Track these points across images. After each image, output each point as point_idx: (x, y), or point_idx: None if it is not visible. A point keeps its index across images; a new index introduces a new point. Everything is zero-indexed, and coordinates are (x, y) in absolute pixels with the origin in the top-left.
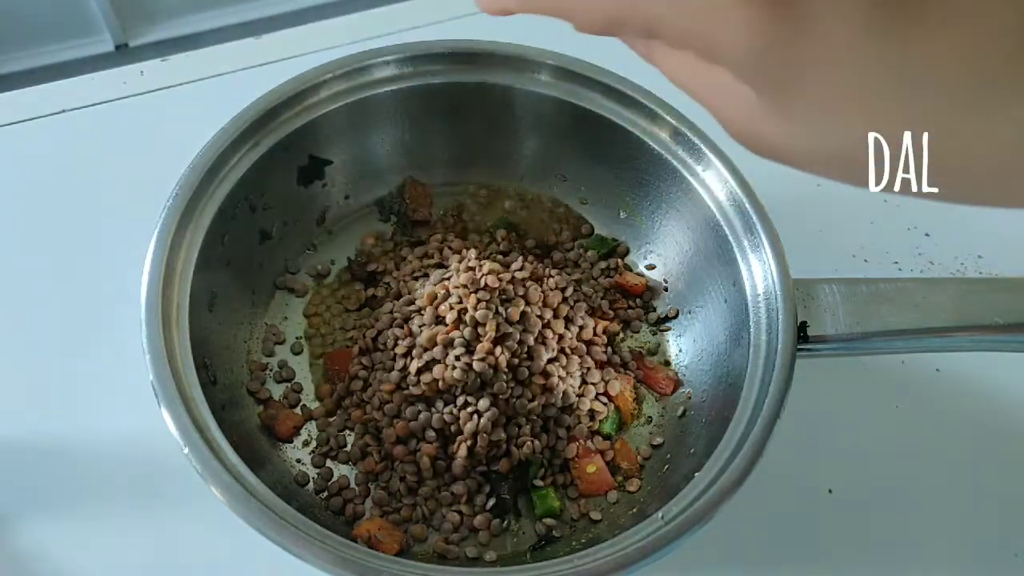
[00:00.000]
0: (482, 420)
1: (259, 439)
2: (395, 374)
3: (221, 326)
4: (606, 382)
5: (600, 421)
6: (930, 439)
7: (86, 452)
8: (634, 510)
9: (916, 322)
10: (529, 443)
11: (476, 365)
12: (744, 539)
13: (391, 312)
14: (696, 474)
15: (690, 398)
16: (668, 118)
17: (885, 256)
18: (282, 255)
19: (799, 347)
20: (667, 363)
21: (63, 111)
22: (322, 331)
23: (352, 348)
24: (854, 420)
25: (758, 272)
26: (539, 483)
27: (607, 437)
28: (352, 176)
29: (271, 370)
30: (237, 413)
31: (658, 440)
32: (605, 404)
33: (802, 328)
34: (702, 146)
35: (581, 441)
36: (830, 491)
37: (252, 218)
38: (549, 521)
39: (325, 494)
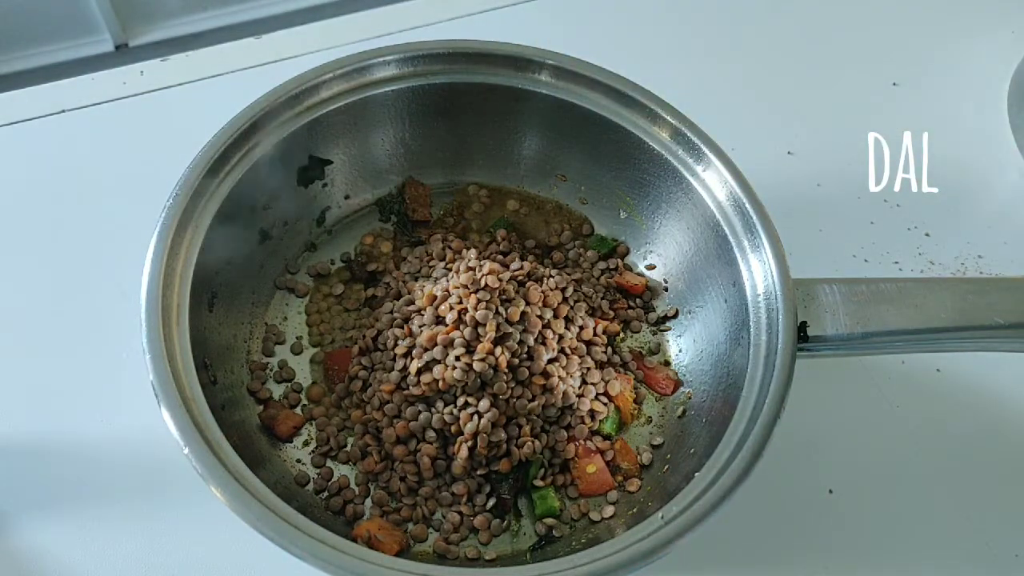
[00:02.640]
0: (482, 420)
1: (259, 439)
2: (395, 374)
3: (221, 326)
4: (606, 382)
5: (600, 421)
6: (930, 439)
7: (86, 452)
8: (634, 510)
9: (916, 322)
10: (529, 443)
11: (476, 365)
12: (744, 539)
13: (391, 312)
14: (696, 474)
15: (690, 398)
16: (668, 118)
17: (885, 256)
18: (282, 255)
19: (799, 347)
20: (667, 363)
21: (63, 111)
22: (322, 331)
23: (352, 348)
24: (854, 420)
25: (758, 272)
26: (539, 483)
27: (607, 437)
28: (352, 176)
29: (271, 370)
30: (237, 413)
31: (658, 440)
32: (605, 404)
33: (802, 328)
34: (702, 146)
35: (581, 441)
36: (830, 491)
37: (252, 218)
38: (549, 521)
39: (325, 494)
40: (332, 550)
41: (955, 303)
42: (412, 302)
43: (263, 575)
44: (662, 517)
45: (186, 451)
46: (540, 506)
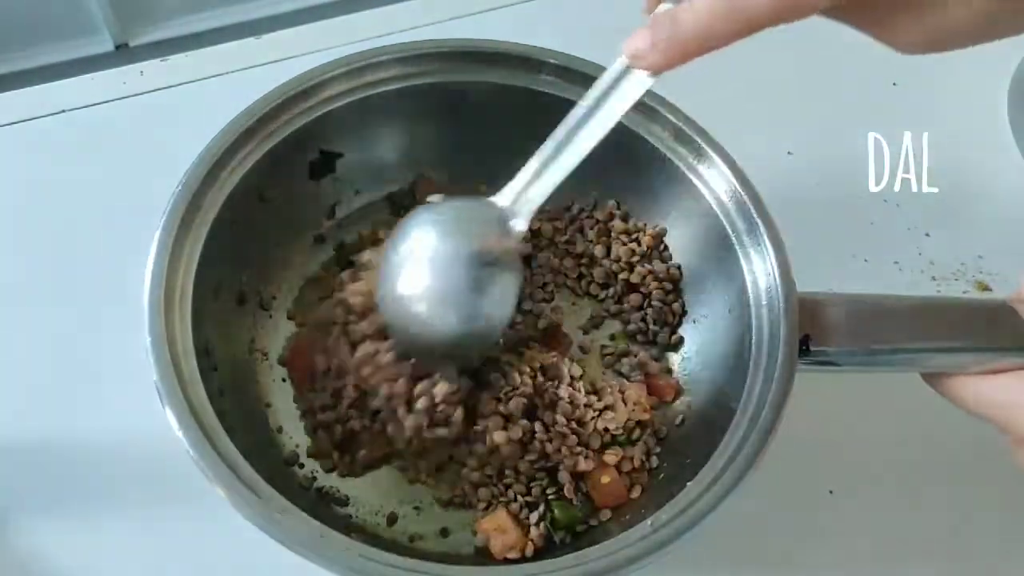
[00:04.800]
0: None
1: (257, 426)
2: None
3: (226, 314)
4: (623, 393)
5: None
6: (931, 439)
7: (86, 451)
8: (627, 516)
9: (921, 341)
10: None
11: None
12: (744, 539)
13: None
14: (688, 483)
15: (690, 407)
16: (671, 117)
17: (885, 256)
18: (291, 246)
19: (800, 361)
20: (670, 371)
21: (63, 111)
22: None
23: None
24: (854, 420)
25: (762, 284)
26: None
27: (619, 445)
28: (363, 171)
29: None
30: (237, 399)
31: (656, 448)
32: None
33: (804, 342)
34: (707, 147)
35: (591, 451)
36: (830, 491)
37: (261, 208)
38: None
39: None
40: (338, 550)
41: (961, 323)
42: None
43: (263, 574)
44: (651, 524)
45: (190, 452)
46: (564, 516)
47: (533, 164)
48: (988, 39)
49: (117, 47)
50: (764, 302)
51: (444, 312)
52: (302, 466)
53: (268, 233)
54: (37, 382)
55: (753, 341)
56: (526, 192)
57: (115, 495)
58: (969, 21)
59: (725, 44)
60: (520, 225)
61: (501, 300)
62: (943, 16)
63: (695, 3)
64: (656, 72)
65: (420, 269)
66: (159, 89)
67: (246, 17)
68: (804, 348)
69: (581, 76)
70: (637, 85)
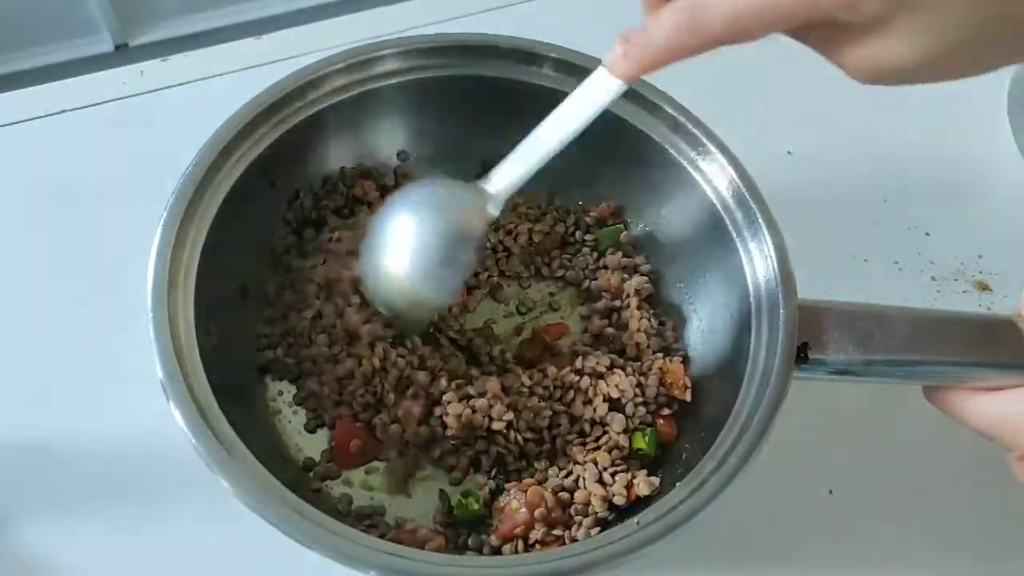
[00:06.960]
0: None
1: (260, 411)
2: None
3: (229, 295)
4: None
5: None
6: (931, 439)
7: (87, 451)
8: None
9: (921, 354)
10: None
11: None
12: (744, 539)
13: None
14: (677, 484)
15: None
16: (671, 111)
17: (885, 256)
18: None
19: (798, 368)
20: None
21: (63, 111)
22: None
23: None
24: (854, 420)
25: (763, 287)
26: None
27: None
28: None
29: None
30: (235, 380)
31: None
32: None
33: (803, 349)
34: (707, 142)
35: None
36: (830, 492)
37: (270, 194)
38: None
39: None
40: (350, 542)
41: (964, 336)
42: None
43: (264, 573)
44: (637, 522)
45: (187, 432)
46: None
47: (516, 155)
48: (936, 79)
49: (117, 47)
50: (765, 307)
51: (419, 281)
52: (300, 450)
53: (274, 222)
54: (38, 382)
55: (752, 345)
56: (507, 179)
57: (115, 495)
58: (910, 59)
59: (687, 56)
60: (494, 210)
61: (462, 273)
62: (884, 49)
63: (661, 19)
64: (629, 80)
65: (401, 241)
66: (159, 89)
67: (246, 17)
68: (803, 355)
69: (580, 70)
70: (612, 89)
